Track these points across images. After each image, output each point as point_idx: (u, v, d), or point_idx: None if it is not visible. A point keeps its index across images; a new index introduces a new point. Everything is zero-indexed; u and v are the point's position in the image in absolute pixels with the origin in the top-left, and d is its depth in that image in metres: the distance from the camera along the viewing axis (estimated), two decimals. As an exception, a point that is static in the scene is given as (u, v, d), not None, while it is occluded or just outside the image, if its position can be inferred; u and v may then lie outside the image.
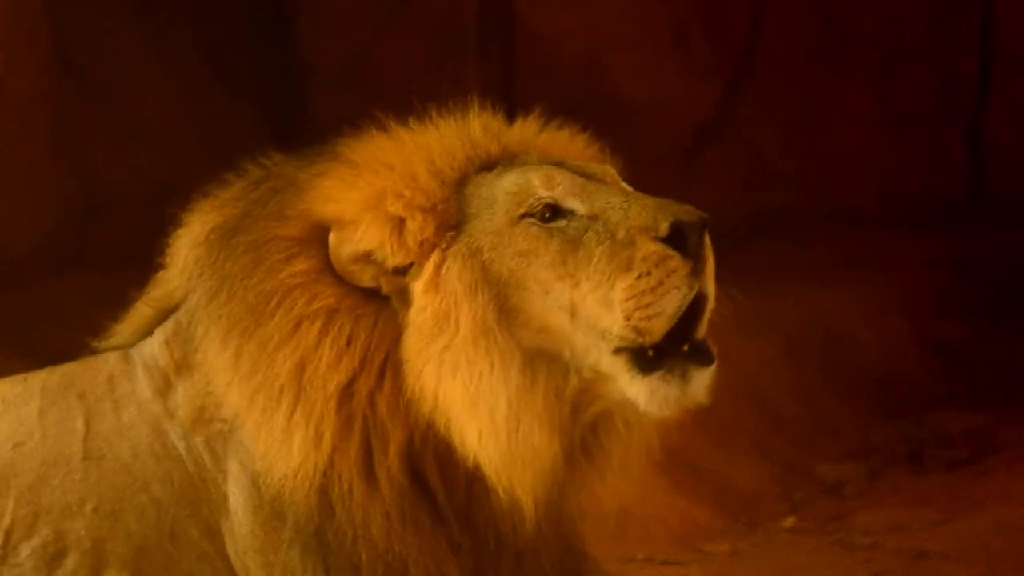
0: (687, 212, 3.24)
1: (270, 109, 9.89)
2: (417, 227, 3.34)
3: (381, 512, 3.35)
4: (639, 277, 3.21)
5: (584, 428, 3.40)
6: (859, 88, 10.65)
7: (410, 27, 10.51)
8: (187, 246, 3.56)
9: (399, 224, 3.35)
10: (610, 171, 3.49)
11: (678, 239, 3.22)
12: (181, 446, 3.50)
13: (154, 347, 3.58)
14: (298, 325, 3.35)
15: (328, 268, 3.39)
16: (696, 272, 3.23)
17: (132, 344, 3.64)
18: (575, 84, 10.17)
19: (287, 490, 3.35)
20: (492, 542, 3.42)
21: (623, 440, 3.45)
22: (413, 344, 3.31)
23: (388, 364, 3.34)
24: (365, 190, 3.38)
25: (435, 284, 3.31)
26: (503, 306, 3.30)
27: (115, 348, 3.66)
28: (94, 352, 3.70)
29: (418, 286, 3.33)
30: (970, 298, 8.92)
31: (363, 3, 10.55)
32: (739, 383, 7.41)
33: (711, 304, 3.29)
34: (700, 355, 3.29)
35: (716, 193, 10.36)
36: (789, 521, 6.52)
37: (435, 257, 3.33)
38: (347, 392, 3.33)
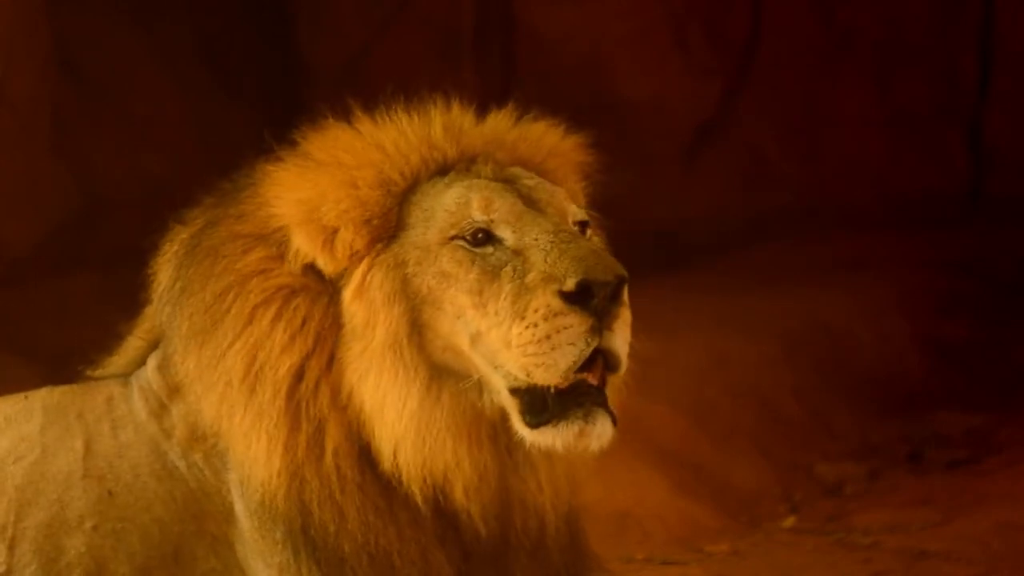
0: (604, 270, 3.20)
1: (270, 109, 9.87)
2: (349, 238, 3.35)
3: (353, 506, 3.36)
4: (527, 328, 3.20)
5: (515, 438, 3.37)
6: (859, 88, 10.65)
7: (409, 27, 10.51)
8: (162, 270, 3.59)
9: (331, 235, 3.36)
10: (559, 195, 3.43)
11: (586, 295, 3.19)
12: (182, 465, 3.52)
13: (148, 373, 3.61)
14: (252, 315, 3.36)
15: (286, 255, 3.40)
16: (597, 329, 3.19)
17: (128, 374, 3.67)
18: (575, 84, 10.17)
19: (268, 495, 3.38)
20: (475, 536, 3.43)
21: (550, 455, 3.42)
22: (345, 342, 3.35)
23: (337, 350, 3.36)
24: (307, 189, 3.38)
25: (360, 291, 3.34)
26: (416, 320, 3.31)
27: (112, 377, 3.69)
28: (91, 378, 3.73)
29: (347, 293, 3.36)
30: (970, 298, 8.91)
31: (363, 3, 10.56)
32: (739, 383, 7.42)
33: (622, 358, 3.24)
34: (600, 409, 3.24)
35: (716, 193, 10.39)
36: (789, 521, 6.52)
37: (364, 265, 3.35)
38: (298, 376, 3.35)
